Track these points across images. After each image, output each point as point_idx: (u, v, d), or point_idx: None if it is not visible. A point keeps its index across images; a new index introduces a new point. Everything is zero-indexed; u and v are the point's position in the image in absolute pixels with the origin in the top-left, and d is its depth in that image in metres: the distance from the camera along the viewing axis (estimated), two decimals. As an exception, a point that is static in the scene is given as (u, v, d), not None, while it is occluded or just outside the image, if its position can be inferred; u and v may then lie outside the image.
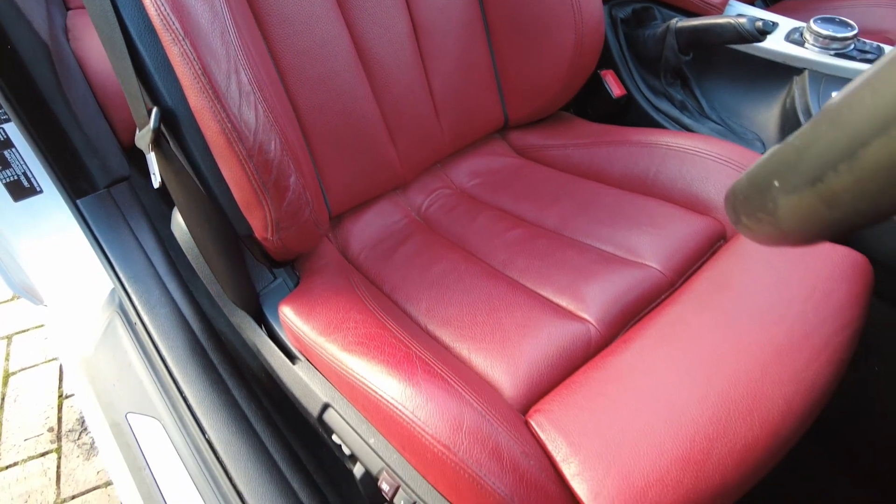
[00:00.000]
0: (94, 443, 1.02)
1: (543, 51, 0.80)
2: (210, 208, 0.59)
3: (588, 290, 0.65)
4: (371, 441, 0.54)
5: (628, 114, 0.90)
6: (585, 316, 0.62)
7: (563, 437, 0.49)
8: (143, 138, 0.55)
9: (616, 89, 0.86)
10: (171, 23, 0.49)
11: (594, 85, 0.90)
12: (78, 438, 1.03)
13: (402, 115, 0.79)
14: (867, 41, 0.81)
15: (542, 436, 0.50)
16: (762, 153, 0.80)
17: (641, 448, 0.47)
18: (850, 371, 0.56)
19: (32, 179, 0.80)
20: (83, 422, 1.06)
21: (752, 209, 0.31)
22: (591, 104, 0.92)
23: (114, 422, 0.68)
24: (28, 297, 0.90)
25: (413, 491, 0.51)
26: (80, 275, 0.80)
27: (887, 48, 0.81)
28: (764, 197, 0.29)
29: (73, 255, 0.81)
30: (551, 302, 0.64)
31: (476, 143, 0.92)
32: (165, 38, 0.50)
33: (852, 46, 0.79)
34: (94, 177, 0.81)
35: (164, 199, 0.91)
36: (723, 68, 0.86)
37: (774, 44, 0.83)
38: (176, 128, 0.55)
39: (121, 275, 0.77)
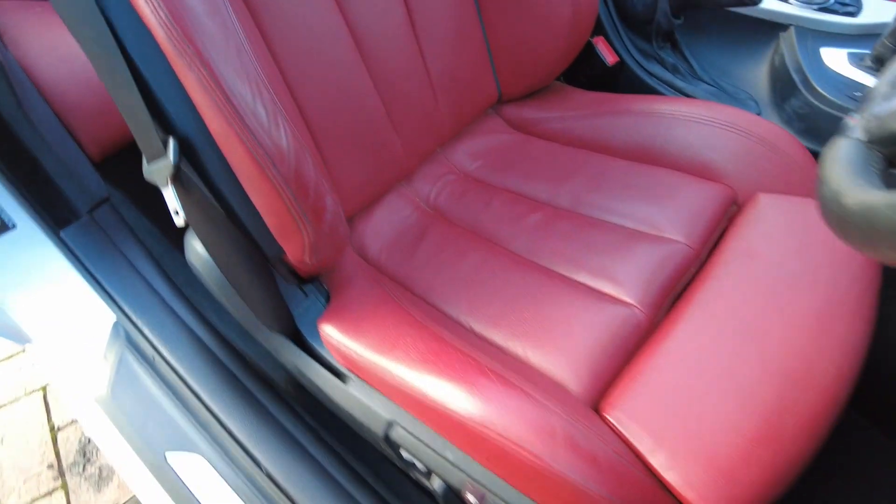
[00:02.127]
0: (102, 473, 0.98)
1: (539, 23, 0.78)
2: (238, 235, 0.56)
3: (623, 271, 0.66)
4: (449, 455, 0.54)
5: (620, 79, 0.90)
6: (627, 299, 0.63)
7: (643, 429, 0.51)
8: (158, 172, 0.50)
9: (609, 56, 0.85)
10: (184, 47, 0.44)
11: (586, 52, 0.88)
12: (83, 471, 0.98)
13: (403, 103, 0.76)
14: None
15: (624, 431, 0.51)
16: (757, 112, 0.82)
17: (719, 431, 0.49)
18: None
19: (2, 214, 0.72)
20: (85, 452, 1.00)
21: None
22: (582, 71, 0.90)
23: (152, 463, 0.65)
24: (10, 337, 0.82)
25: (502, 499, 0.51)
26: (73, 310, 0.74)
27: (864, 1, 0.83)
28: None
29: (61, 291, 0.74)
30: (591, 288, 0.65)
31: (473, 123, 0.90)
32: (179, 64, 0.45)
33: (833, 0, 0.81)
34: (74, 202, 0.74)
35: (147, 213, 0.84)
36: (711, 28, 0.86)
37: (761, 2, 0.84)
38: (194, 157, 0.51)
39: (125, 307, 0.72)
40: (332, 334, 0.60)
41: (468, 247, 0.72)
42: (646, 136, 0.79)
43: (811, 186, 0.72)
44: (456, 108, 0.83)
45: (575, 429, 0.48)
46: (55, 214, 0.73)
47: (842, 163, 0.41)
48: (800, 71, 0.78)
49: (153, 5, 0.42)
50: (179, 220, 0.51)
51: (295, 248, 0.55)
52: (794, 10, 0.81)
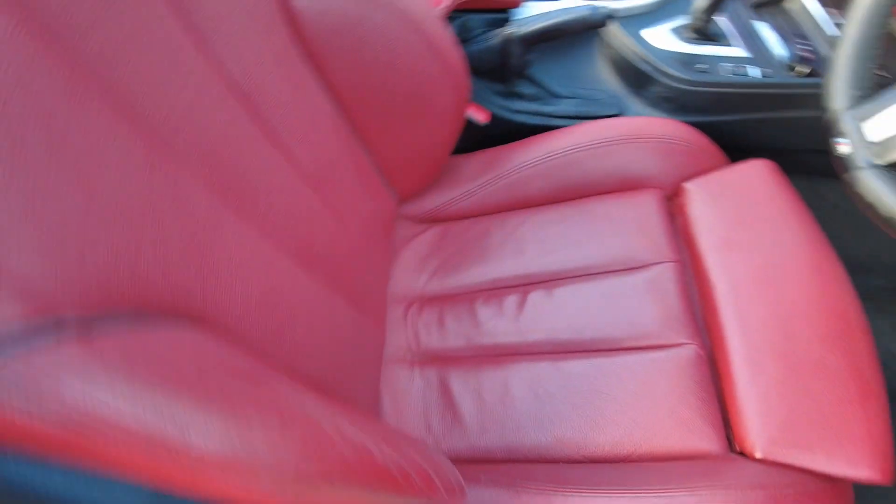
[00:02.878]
0: None
1: (425, 123, 0.71)
2: None
3: (644, 315, 0.67)
4: None
5: (493, 128, 0.88)
6: (678, 340, 0.64)
7: (799, 448, 0.54)
8: None
9: (481, 116, 0.82)
10: None
11: (457, 122, 0.84)
12: None
13: (334, 270, 0.65)
14: None
15: (791, 460, 0.54)
16: (618, 112, 0.87)
17: (837, 409, 0.55)
18: None
19: None
20: None
21: None
22: (459, 140, 0.86)
23: None
24: None
25: None
26: None
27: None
28: None
29: None
30: (638, 346, 0.65)
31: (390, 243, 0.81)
32: None
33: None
34: None
35: None
36: (546, 47, 0.87)
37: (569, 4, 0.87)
38: None
39: None
40: None
41: (499, 374, 0.66)
42: (561, 177, 0.79)
43: (714, 158, 0.80)
44: (375, 241, 0.74)
45: None
46: None
47: (880, 192, 0.45)
48: (644, 60, 0.84)
49: None
50: None
51: None
52: (617, 4, 0.86)
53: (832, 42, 0.87)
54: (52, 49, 0.31)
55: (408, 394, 0.67)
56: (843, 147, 0.47)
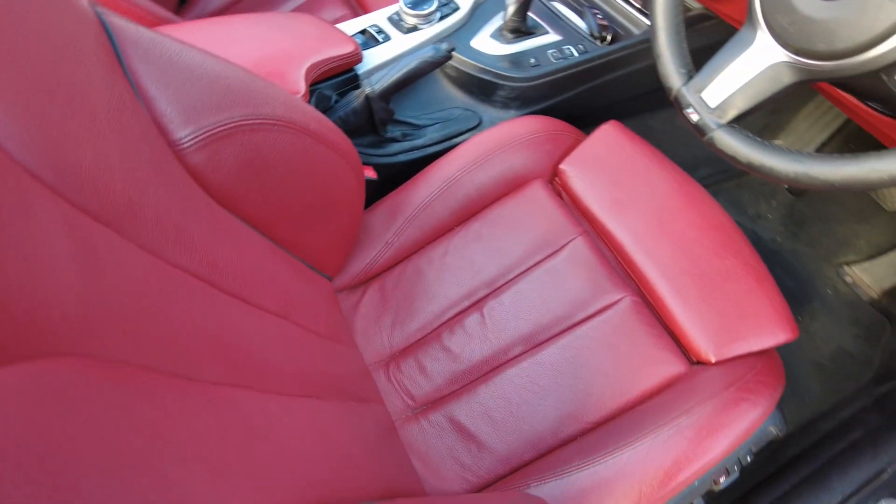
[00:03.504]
0: None
1: (338, 206, 0.74)
2: None
3: (580, 288, 0.78)
4: None
5: (381, 177, 0.92)
6: (613, 298, 0.77)
7: (745, 335, 0.70)
8: None
9: (369, 174, 0.87)
10: None
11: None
12: None
13: (335, 387, 0.67)
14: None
15: (742, 347, 0.71)
16: (478, 122, 0.96)
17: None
18: None
19: None
20: None
21: None
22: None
23: None
24: None
25: None
26: None
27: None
28: None
29: None
30: (587, 315, 0.77)
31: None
32: None
33: (439, 9, 0.96)
34: None
35: None
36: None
37: (401, 44, 0.93)
38: None
39: None
40: None
41: (494, 389, 0.74)
42: (460, 198, 0.87)
43: (573, 135, 0.92)
44: (336, 329, 0.77)
45: None
46: None
47: (734, 145, 0.58)
48: (483, 70, 0.93)
49: None
50: None
51: None
52: (427, 33, 0.94)
53: (612, 3, 1.03)
54: None
55: (428, 446, 0.73)
56: (693, 116, 0.59)
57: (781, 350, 0.75)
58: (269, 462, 0.40)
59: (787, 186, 1.32)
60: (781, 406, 0.71)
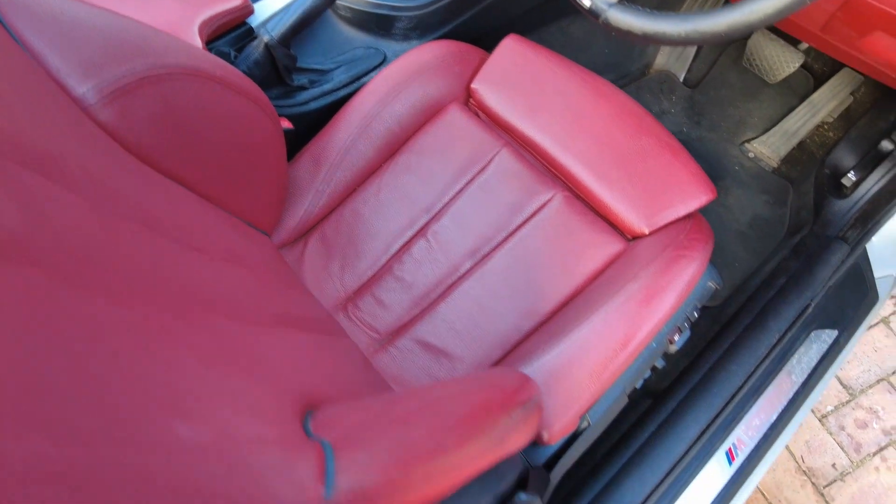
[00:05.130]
0: None
1: (262, 157, 0.73)
2: None
3: (514, 195, 0.82)
4: None
5: (297, 126, 0.91)
6: (546, 197, 0.80)
7: (671, 203, 0.75)
8: None
9: (286, 124, 0.85)
10: None
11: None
12: None
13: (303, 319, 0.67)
14: None
15: (671, 214, 0.75)
16: (383, 58, 0.96)
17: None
18: None
19: None
20: None
21: None
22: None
23: None
24: None
25: None
26: None
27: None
28: None
29: None
30: (525, 218, 0.80)
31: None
32: None
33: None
34: None
35: None
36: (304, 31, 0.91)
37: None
38: None
39: None
40: None
41: (453, 304, 0.76)
42: (382, 133, 0.87)
43: (476, 55, 0.93)
44: (281, 267, 0.76)
45: None
46: None
47: (627, 20, 0.62)
48: (375, 5, 0.92)
49: None
50: None
51: None
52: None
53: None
54: None
55: (403, 370, 0.75)
56: (585, 2, 0.62)
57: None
58: (255, 374, 0.40)
59: (682, 80, 1.40)
60: (715, 265, 0.78)
